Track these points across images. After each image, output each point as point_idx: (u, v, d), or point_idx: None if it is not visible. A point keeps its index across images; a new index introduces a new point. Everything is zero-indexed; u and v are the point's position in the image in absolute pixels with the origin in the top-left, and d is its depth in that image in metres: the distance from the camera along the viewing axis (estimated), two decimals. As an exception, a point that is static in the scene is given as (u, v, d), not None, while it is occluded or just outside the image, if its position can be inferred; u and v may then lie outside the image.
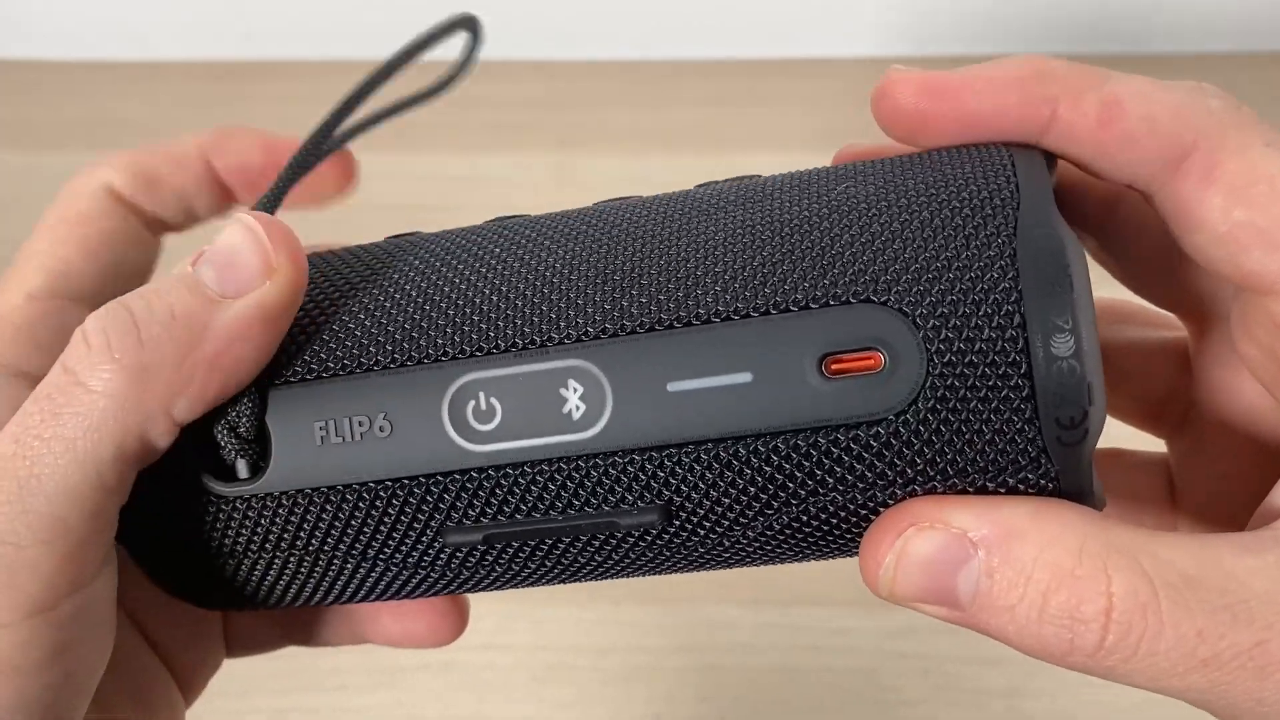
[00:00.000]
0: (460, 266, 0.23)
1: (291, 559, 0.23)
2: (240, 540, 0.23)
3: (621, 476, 0.21)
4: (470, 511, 0.22)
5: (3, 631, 0.21)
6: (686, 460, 0.21)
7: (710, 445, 0.21)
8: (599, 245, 0.22)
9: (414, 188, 0.61)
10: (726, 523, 0.22)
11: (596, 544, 0.22)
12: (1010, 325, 0.20)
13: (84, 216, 0.26)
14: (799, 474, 0.21)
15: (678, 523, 0.22)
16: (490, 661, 0.47)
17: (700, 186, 0.24)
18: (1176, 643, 0.19)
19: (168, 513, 0.23)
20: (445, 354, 0.22)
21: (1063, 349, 0.20)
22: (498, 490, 0.22)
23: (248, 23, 0.66)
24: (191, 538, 0.23)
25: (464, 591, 0.25)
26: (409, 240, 0.25)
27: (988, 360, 0.20)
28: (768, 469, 0.21)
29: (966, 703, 0.45)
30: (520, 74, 0.66)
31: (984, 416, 0.20)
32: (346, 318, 0.23)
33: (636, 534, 0.22)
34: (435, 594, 0.25)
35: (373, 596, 0.25)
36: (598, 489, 0.21)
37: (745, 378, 0.21)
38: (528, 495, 0.22)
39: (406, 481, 0.22)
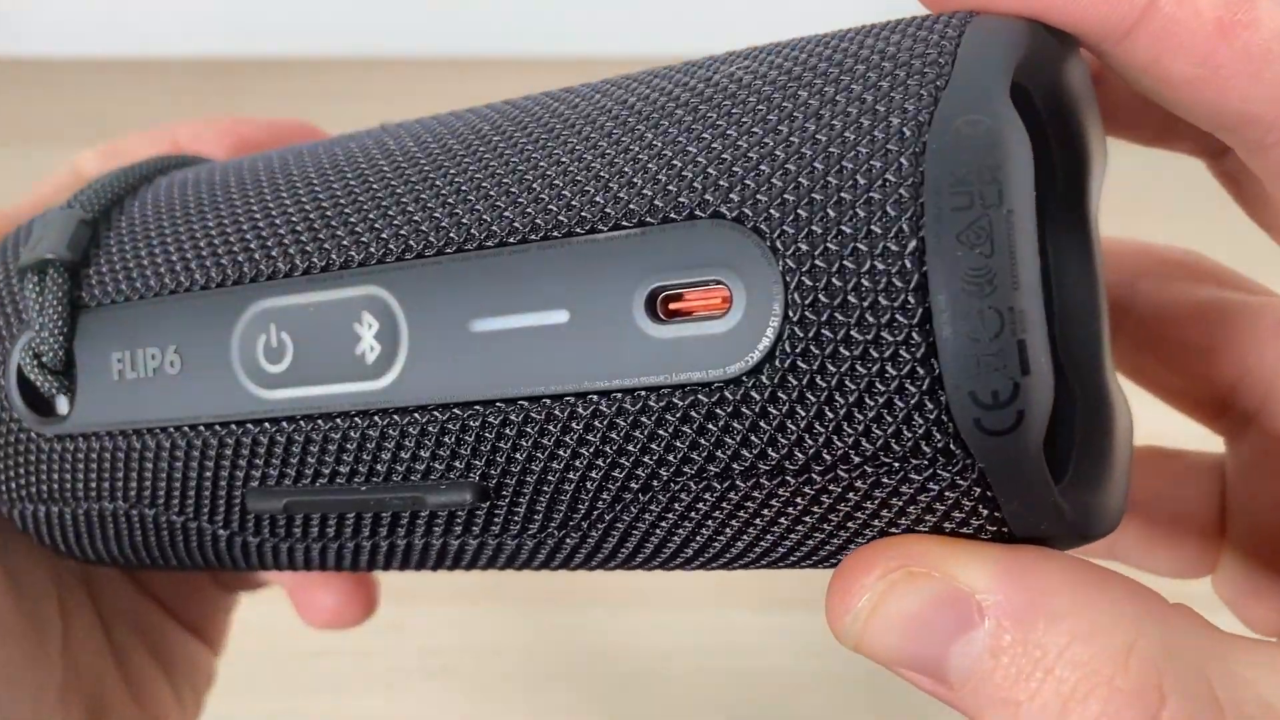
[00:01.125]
0: (278, 180, 0.19)
1: (109, 509, 0.21)
2: (64, 484, 0.21)
3: (423, 440, 0.17)
4: (269, 472, 0.18)
5: None
6: (493, 422, 0.16)
7: (522, 404, 0.16)
8: (418, 156, 0.18)
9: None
10: (559, 509, 0.17)
11: (410, 525, 0.18)
12: (903, 252, 0.14)
13: (41, 198, 0.25)
14: (631, 448, 0.16)
15: (500, 505, 0.17)
16: (487, 666, 0.46)
17: (610, 83, 0.19)
18: None
19: (5, 458, 0.21)
20: (240, 277, 0.18)
21: (980, 290, 0.14)
22: (292, 449, 0.18)
23: (246, 19, 0.66)
24: (27, 481, 0.21)
25: (301, 567, 0.21)
26: (250, 156, 0.22)
27: (868, 302, 0.14)
28: (590, 439, 0.16)
29: (970, 707, 0.45)
30: (520, 72, 0.66)
31: (864, 383, 0.14)
32: (158, 235, 0.20)
33: (452, 515, 0.18)
34: (276, 567, 0.21)
35: (215, 563, 0.22)
36: (399, 455, 0.17)
37: (560, 317, 0.16)
38: (324, 458, 0.18)
39: (203, 429, 0.19)
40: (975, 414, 0.14)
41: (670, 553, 0.18)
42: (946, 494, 0.15)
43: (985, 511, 0.15)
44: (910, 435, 0.14)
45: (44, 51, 0.67)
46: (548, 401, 0.16)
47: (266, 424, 0.18)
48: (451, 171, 0.17)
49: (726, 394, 0.15)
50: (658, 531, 0.17)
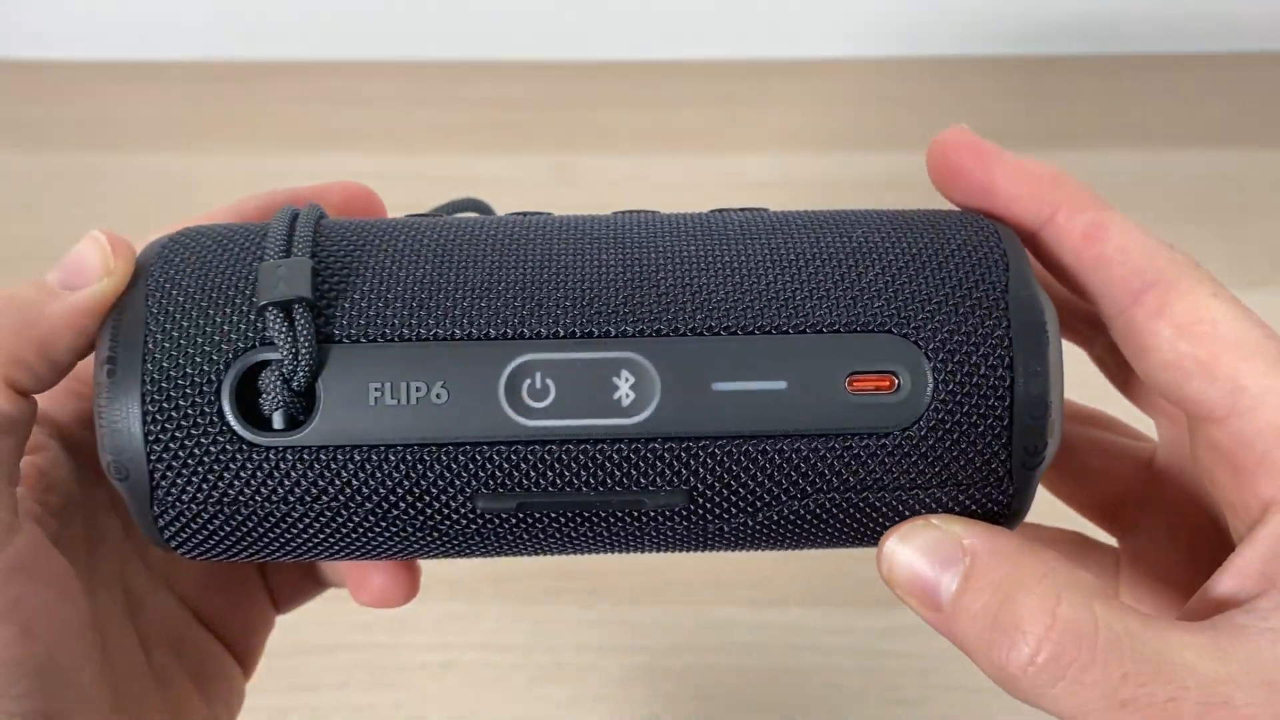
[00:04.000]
0: (521, 250, 0.25)
1: (323, 513, 0.24)
2: (269, 491, 0.24)
3: (657, 461, 0.24)
4: (509, 480, 0.24)
5: None
6: (719, 452, 0.24)
7: (741, 440, 0.24)
8: (643, 252, 0.25)
9: (414, 188, 0.61)
10: (740, 507, 0.25)
11: (620, 519, 0.25)
12: (1001, 365, 0.24)
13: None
14: (812, 473, 0.24)
15: (697, 505, 0.25)
16: (490, 661, 0.47)
17: (716, 212, 0.27)
18: (1102, 677, 0.21)
19: (191, 463, 0.24)
20: (507, 333, 0.24)
21: (1037, 390, 0.24)
22: (540, 463, 0.24)
23: (249, 22, 0.66)
24: (218, 488, 0.24)
25: (476, 555, 0.26)
26: (469, 219, 0.27)
27: (981, 392, 0.24)
28: (787, 466, 0.24)
29: (966, 703, 0.45)
30: (520, 74, 0.66)
31: (971, 438, 0.24)
32: (412, 284, 0.24)
33: (658, 513, 0.25)
34: (447, 555, 0.26)
35: (391, 554, 0.26)
36: (633, 470, 0.24)
37: (780, 385, 0.24)
38: (567, 470, 0.24)
39: (453, 447, 0.24)
40: (1023, 459, 0.24)
41: (785, 540, 0.26)
42: (985, 501, 0.25)
43: (997, 510, 0.25)
44: (986, 469, 0.24)
45: (45, 54, 0.68)
46: (759, 439, 0.24)
47: (519, 444, 0.24)
48: (676, 269, 0.25)
49: (888, 441, 0.24)
50: (789, 520, 0.25)
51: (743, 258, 0.25)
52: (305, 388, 0.23)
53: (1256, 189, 0.60)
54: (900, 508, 0.25)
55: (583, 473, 0.24)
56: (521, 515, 0.25)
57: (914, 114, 0.63)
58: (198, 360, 0.24)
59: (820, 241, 0.25)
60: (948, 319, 0.24)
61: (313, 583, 0.32)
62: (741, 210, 0.27)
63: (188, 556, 0.26)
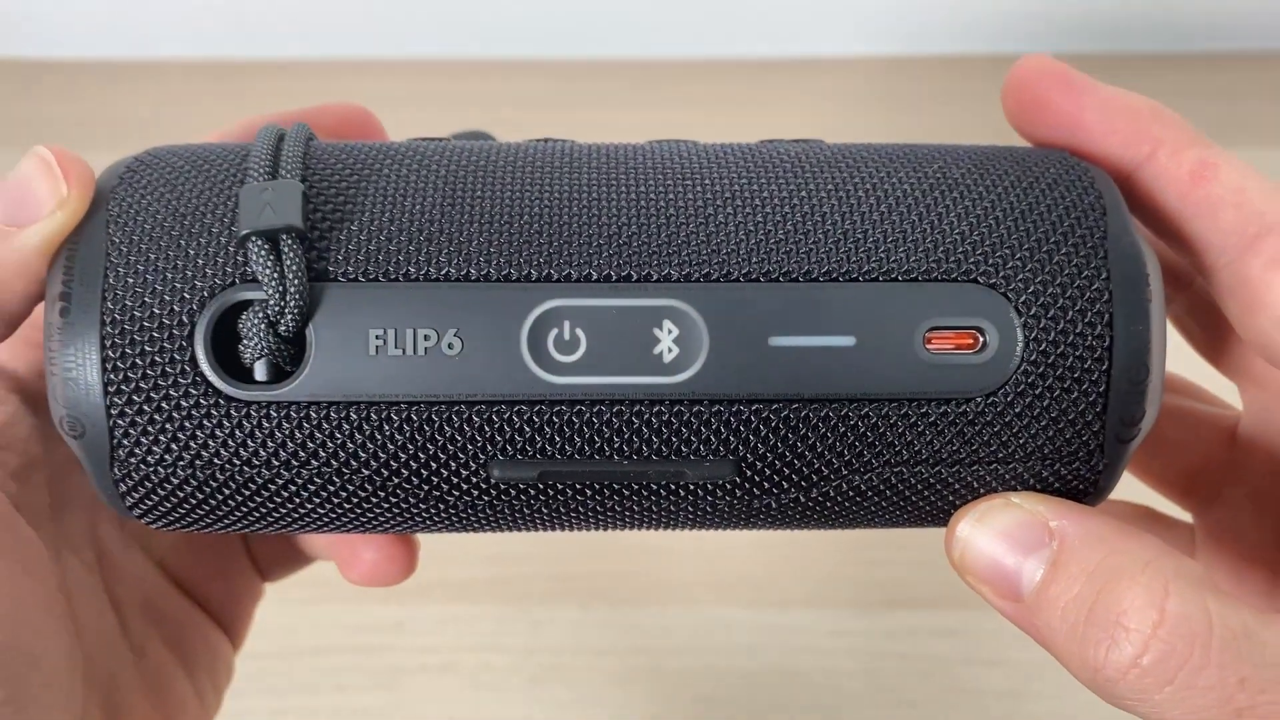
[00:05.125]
0: (547, 181, 0.22)
1: (311, 480, 0.21)
2: (249, 454, 0.21)
3: (702, 427, 0.21)
4: (530, 445, 0.21)
5: None
6: (774, 418, 0.21)
7: (800, 405, 0.21)
8: (688, 185, 0.22)
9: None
10: (794, 481, 0.22)
11: (656, 493, 0.22)
12: (1101, 322, 0.21)
13: None
14: (880, 443, 0.21)
15: (745, 478, 0.22)
16: (488, 663, 0.47)
17: (765, 143, 0.24)
18: (1217, 683, 0.18)
19: (158, 419, 0.21)
20: (531, 274, 0.21)
21: (1138, 351, 0.21)
22: (566, 426, 0.21)
23: (247, 21, 0.66)
24: (189, 449, 0.21)
25: (487, 530, 0.24)
26: (484, 144, 0.24)
27: (1078, 352, 0.21)
28: (852, 435, 0.21)
29: (966, 704, 0.45)
30: (520, 73, 0.66)
31: (1063, 405, 0.21)
32: (421, 215, 0.21)
33: (700, 485, 0.22)
34: (453, 530, 0.23)
35: (388, 527, 0.23)
36: (674, 437, 0.21)
37: (848, 341, 0.21)
38: (598, 435, 0.21)
39: (465, 406, 0.21)
40: (1118, 430, 0.21)
41: (839, 518, 0.23)
42: (1070, 477, 0.22)
43: (1082, 487, 0.22)
44: (1077, 441, 0.21)
45: (46, 53, 0.67)
46: (821, 404, 0.21)
47: (543, 405, 0.21)
48: (727, 205, 0.21)
49: (969, 408, 0.21)
50: (847, 497, 0.22)
51: (803, 193, 0.22)
52: (294, 333, 0.20)
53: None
54: (974, 484, 0.22)
55: (615, 439, 0.21)
56: (543, 486, 0.22)
57: (914, 113, 0.62)
58: (167, 299, 0.20)
59: (892, 176, 0.22)
60: (1041, 267, 0.21)
61: (300, 552, 0.30)
62: (795, 142, 0.24)
63: (153, 526, 0.23)
